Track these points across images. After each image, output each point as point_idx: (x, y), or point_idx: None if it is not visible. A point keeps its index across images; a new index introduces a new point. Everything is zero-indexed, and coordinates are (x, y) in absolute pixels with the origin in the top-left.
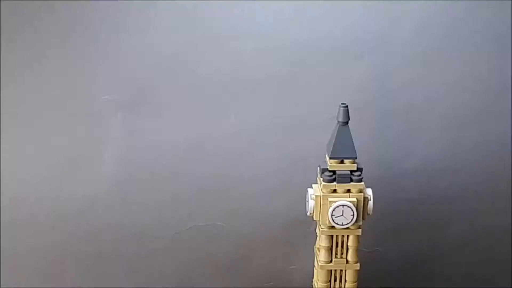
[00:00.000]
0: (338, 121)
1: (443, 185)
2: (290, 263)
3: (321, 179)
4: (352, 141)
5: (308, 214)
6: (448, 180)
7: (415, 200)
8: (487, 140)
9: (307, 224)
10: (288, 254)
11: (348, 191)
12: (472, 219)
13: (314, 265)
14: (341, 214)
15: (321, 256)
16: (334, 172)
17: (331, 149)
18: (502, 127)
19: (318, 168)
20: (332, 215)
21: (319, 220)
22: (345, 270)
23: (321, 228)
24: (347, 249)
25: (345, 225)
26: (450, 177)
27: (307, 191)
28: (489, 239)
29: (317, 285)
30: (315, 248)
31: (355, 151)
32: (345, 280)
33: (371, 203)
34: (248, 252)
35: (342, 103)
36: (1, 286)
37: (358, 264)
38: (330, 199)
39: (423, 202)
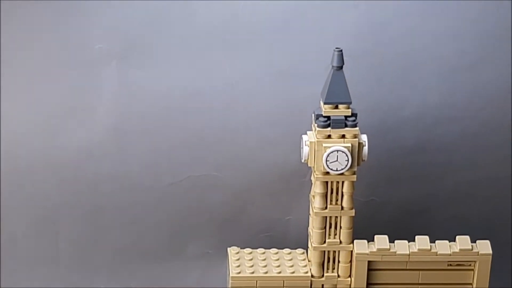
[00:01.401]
0: (332, 66)
1: (439, 134)
2: (286, 213)
3: (316, 125)
4: (347, 86)
5: (302, 160)
6: (445, 128)
7: (412, 149)
8: (485, 88)
9: (303, 174)
10: (284, 204)
11: (343, 136)
12: (469, 168)
13: (309, 213)
14: (336, 159)
15: (316, 203)
16: (328, 117)
17: (325, 94)
18: (500, 75)
19: (313, 114)
20: (326, 160)
21: (313, 167)
22: (340, 217)
23: (316, 175)
24: (342, 195)
25: (339, 171)
26: (447, 125)
27: (302, 138)
28: (486, 189)
29: (312, 233)
30: (310, 195)
31: (349, 96)
32: (340, 227)
33: (366, 149)
34: (243, 203)
35: (336, 48)
36: None
37: (353, 210)
38: (324, 144)
39: (420, 151)
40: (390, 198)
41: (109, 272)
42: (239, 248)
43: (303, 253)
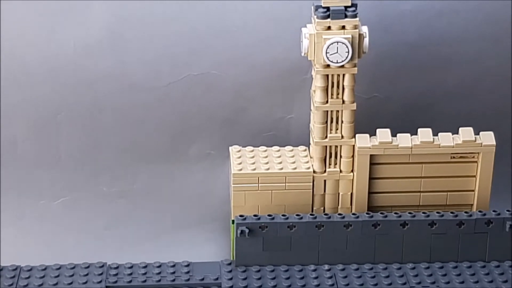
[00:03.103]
0: None
1: (442, 27)
2: (287, 112)
3: (315, 16)
4: None
5: (302, 54)
6: (448, 21)
7: (414, 42)
8: None
9: (304, 71)
10: (285, 103)
11: (343, 27)
12: (472, 61)
13: (311, 109)
14: (336, 51)
15: (317, 97)
16: (327, 8)
17: None
18: None
19: (312, 6)
20: (326, 52)
21: (313, 60)
22: (342, 111)
23: (316, 68)
24: (343, 89)
25: (340, 63)
26: (450, 17)
27: (301, 31)
28: (489, 81)
29: (313, 128)
30: (311, 91)
31: None
32: (342, 121)
33: (366, 40)
34: (244, 102)
35: None
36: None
37: (355, 104)
38: (324, 36)
39: (422, 45)
40: (393, 94)
41: (111, 174)
42: (240, 146)
43: (305, 150)
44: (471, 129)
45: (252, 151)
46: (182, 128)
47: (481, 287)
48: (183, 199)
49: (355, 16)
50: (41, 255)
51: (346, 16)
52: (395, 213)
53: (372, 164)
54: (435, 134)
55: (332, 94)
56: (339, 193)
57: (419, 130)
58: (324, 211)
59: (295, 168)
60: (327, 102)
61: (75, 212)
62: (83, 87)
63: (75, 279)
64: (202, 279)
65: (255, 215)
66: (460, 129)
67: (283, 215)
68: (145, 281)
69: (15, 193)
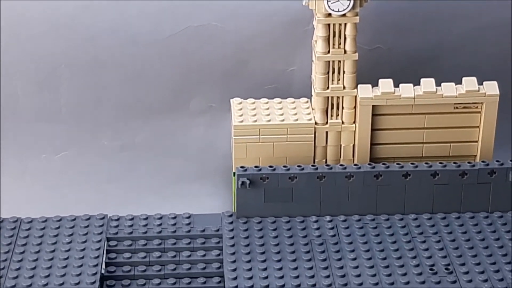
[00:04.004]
0: None
1: None
2: (289, 65)
3: None
4: None
5: (304, 3)
6: None
7: None
8: None
9: (306, 22)
10: (287, 55)
11: None
12: (476, 13)
13: (312, 60)
14: (337, 0)
15: (319, 47)
16: None
17: None
18: None
19: None
20: (328, 1)
21: (315, 9)
22: (344, 61)
23: (318, 17)
24: (345, 39)
25: (341, 11)
26: None
27: None
28: (493, 34)
29: (315, 79)
30: (312, 41)
31: None
32: (344, 72)
33: None
34: (246, 55)
35: None
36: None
37: (357, 54)
38: None
39: None
40: (396, 45)
41: (112, 128)
42: (241, 99)
43: (307, 102)
44: (474, 79)
45: (254, 103)
46: (183, 81)
47: (484, 238)
48: (184, 153)
49: None
50: (42, 208)
51: None
52: (397, 163)
53: (374, 115)
54: (438, 85)
55: (333, 44)
56: (341, 145)
57: (422, 80)
58: (326, 163)
59: (296, 120)
60: (328, 52)
61: (76, 166)
62: (84, 41)
63: (75, 230)
64: (203, 231)
65: (256, 167)
66: (464, 79)
67: (284, 166)
68: (145, 232)
69: (17, 147)
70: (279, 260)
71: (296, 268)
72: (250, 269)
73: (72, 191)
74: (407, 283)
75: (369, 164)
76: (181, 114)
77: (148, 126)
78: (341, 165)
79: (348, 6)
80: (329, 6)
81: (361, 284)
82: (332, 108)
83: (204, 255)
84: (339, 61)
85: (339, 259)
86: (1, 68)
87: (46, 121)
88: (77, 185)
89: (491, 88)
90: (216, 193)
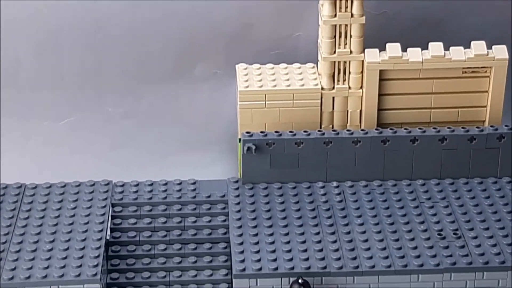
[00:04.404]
0: None
1: None
2: (295, 30)
3: None
4: None
5: None
6: None
7: None
8: None
9: None
10: (293, 20)
11: None
12: None
13: (319, 24)
14: None
15: (325, 10)
16: None
17: None
18: None
19: None
20: None
21: None
22: (351, 25)
23: None
24: (352, 2)
25: None
26: None
27: None
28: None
29: (322, 43)
30: (319, 5)
31: None
32: (350, 36)
33: None
34: (251, 20)
35: None
36: None
37: (364, 18)
38: None
39: None
40: (403, 9)
41: (116, 94)
42: (247, 64)
43: (313, 67)
44: (483, 42)
45: (259, 68)
46: (187, 47)
47: (492, 203)
48: (189, 119)
49: None
50: (47, 175)
51: None
52: (405, 129)
53: (381, 80)
54: (446, 49)
55: (340, 7)
56: (347, 111)
57: (430, 44)
58: (332, 128)
59: (302, 85)
60: (335, 15)
61: (80, 133)
62: (85, 5)
63: (80, 196)
64: (209, 196)
65: (261, 132)
66: (472, 42)
67: (290, 132)
68: (151, 198)
69: (20, 114)
70: (286, 226)
71: (302, 234)
72: (256, 235)
73: (76, 158)
74: (415, 248)
75: (376, 129)
76: (186, 80)
77: (152, 92)
78: (347, 130)
79: None
80: None
81: (368, 249)
82: (338, 73)
83: (209, 221)
84: (346, 25)
85: (346, 224)
86: (2, 35)
87: (48, 87)
88: (81, 152)
89: (501, 52)
90: (222, 159)
